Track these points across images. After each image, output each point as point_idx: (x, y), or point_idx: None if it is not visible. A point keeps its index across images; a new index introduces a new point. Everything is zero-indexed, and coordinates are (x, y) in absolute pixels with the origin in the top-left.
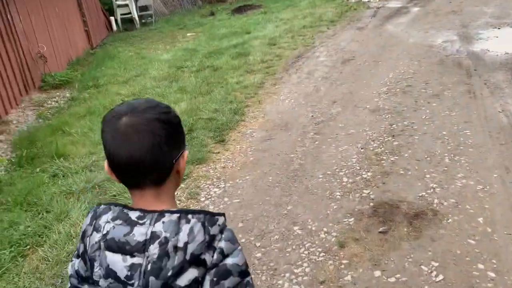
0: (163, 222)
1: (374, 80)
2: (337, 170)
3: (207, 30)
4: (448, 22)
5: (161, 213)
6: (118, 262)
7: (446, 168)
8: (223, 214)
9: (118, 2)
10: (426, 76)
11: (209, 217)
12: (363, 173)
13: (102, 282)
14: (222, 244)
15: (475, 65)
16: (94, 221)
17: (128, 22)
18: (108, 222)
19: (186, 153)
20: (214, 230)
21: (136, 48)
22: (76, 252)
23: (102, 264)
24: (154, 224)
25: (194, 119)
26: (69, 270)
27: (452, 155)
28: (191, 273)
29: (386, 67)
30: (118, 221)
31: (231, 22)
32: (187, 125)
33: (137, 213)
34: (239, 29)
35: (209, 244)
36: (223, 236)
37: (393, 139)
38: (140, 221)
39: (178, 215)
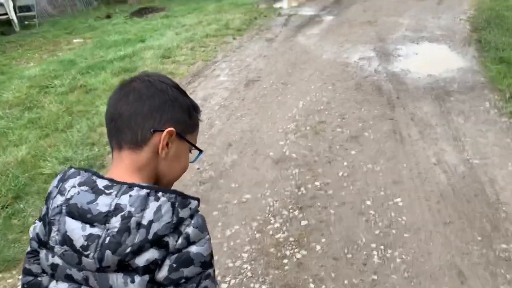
0: (130, 196)
1: (281, 111)
2: (217, 276)
3: (97, 35)
4: (364, 35)
5: (131, 186)
6: (77, 230)
7: (375, 277)
8: (198, 199)
9: None
10: (342, 106)
11: (180, 199)
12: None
13: (57, 249)
14: (189, 230)
15: (397, 90)
16: (61, 184)
17: (5, 24)
18: (74, 186)
19: (170, 129)
20: (183, 213)
21: (4, 57)
22: (39, 214)
23: (60, 230)
24: (120, 196)
25: (30, 176)
26: (30, 232)
27: (382, 247)
28: (151, 254)
29: (296, 93)
30: (84, 187)
31: (126, 27)
32: (15, 187)
33: (105, 182)
34: (133, 36)
35: (175, 227)
36: (192, 221)
37: (301, 215)
38: (107, 191)
39: (148, 191)
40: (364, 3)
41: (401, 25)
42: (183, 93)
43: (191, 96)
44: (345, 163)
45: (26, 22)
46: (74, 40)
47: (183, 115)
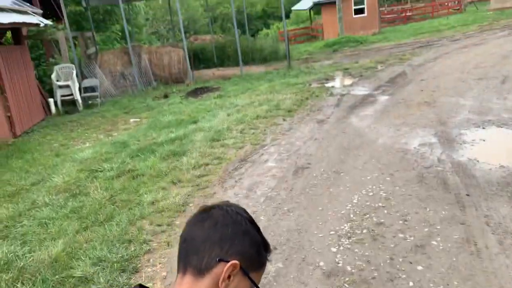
0: None
1: (333, 207)
2: None
3: (153, 115)
4: (422, 117)
5: None
6: None
7: None
8: None
9: (58, 83)
10: (403, 204)
11: None
12: None
13: None
14: None
15: (466, 185)
16: None
17: (71, 104)
18: None
19: (235, 261)
20: None
21: (64, 137)
22: None
23: None
24: None
25: (59, 279)
26: None
27: None
28: None
29: (350, 184)
30: None
31: (181, 107)
32: None
33: None
34: (186, 116)
35: None
36: None
37: None
38: None
39: None
40: (420, 83)
41: (462, 106)
42: (257, 228)
43: (237, 185)
44: (411, 283)
45: (90, 102)
46: (131, 120)
47: (251, 250)
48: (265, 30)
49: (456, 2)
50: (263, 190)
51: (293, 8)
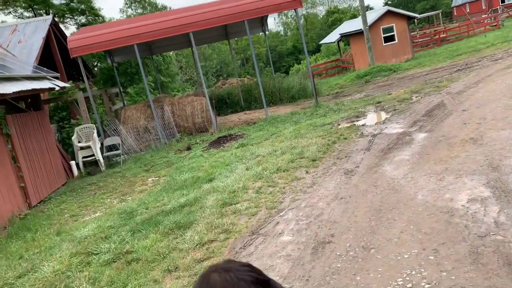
0: None
1: None
2: None
3: (171, 173)
4: (468, 160)
5: None
6: None
7: None
8: None
9: (79, 145)
10: None
11: None
12: None
13: None
14: None
15: None
16: None
17: (94, 164)
18: None
19: None
20: None
21: (78, 205)
22: None
23: None
24: None
25: None
26: None
27: None
28: None
29: (382, 268)
30: None
31: (201, 161)
32: None
33: None
34: (203, 173)
35: None
36: None
37: None
38: None
39: None
40: (462, 114)
41: None
42: (269, 282)
43: None
44: None
45: (115, 159)
46: (149, 179)
47: None
48: (296, 66)
49: (493, 18)
50: (274, 277)
51: (321, 42)
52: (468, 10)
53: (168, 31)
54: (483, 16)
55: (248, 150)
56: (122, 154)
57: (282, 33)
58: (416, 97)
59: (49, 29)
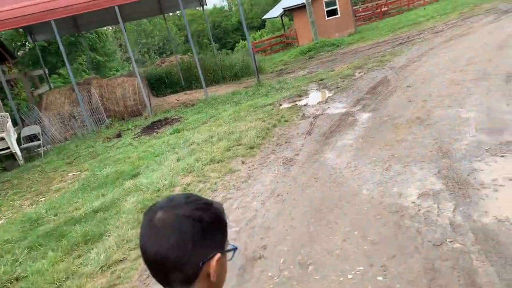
0: None
1: None
2: None
3: (93, 166)
4: (416, 144)
5: None
6: None
7: None
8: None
9: None
10: None
11: None
12: None
13: None
14: None
15: (508, 284)
16: None
17: (10, 157)
18: None
19: (218, 255)
20: None
21: None
22: None
23: None
24: None
25: None
26: None
27: None
28: None
29: None
30: None
31: (129, 151)
32: None
33: None
34: (129, 166)
35: None
36: None
37: None
38: None
39: None
40: (407, 90)
41: (466, 121)
42: (208, 207)
43: None
44: None
45: (36, 151)
46: (70, 174)
47: (220, 235)
48: (242, 42)
49: None
50: None
51: (265, 17)
52: None
53: (90, 5)
54: None
55: (182, 136)
56: (43, 145)
57: (227, 8)
58: (359, 73)
59: None
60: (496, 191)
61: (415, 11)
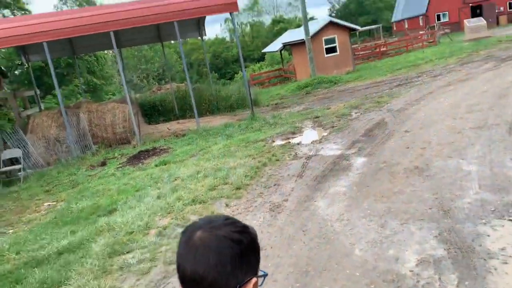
0: None
1: None
2: None
3: (70, 197)
4: (414, 197)
5: None
6: None
7: None
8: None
9: None
10: None
11: None
12: None
13: None
14: None
15: None
16: None
17: None
18: None
19: (254, 280)
20: None
21: None
22: None
23: None
24: None
25: None
26: None
27: None
28: None
29: None
30: None
31: (110, 182)
32: None
33: None
34: (107, 199)
35: None
36: None
37: None
38: None
39: None
40: (405, 136)
41: (467, 175)
42: (248, 232)
43: None
44: None
45: (18, 174)
46: (45, 204)
47: (254, 259)
48: (241, 73)
49: (430, 35)
50: None
51: (264, 50)
52: (406, 26)
53: (84, 29)
54: (420, 32)
55: (168, 169)
56: (24, 169)
57: (228, 39)
58: (356, 113)
59: None
60: (506, 263)
61: (414, 53)
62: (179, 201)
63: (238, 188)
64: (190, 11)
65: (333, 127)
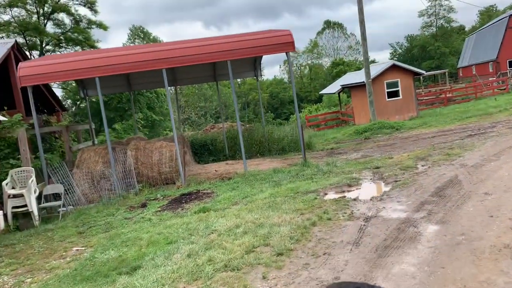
0: None
1: None
2: None
3: (101, 243)
4: None
5: None
6: None
7: None
8: None
9: (10, 192)
10: None
11: None
12: None
13: None
14: None
15: None
16: None
17: (28, 216)
18: None
19: None
20: None
21: None
22: None
23: None
24: None
25: None
26: None
27: None
28: None
29: None
30: None
31: (144, 229)
32: None
33: None
34: (136, 251)
35: None
36: None
37: None
38: None
39: None
40: (485, 199)
41: None
42: None
43: None
44: None
45: (59, 211)
46: (74, 249)
47: None
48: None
49: (501, 81)
50: None
51: (322, 92)
52: (474, 72)
53: (136, 66)
54: (490, 79)
55: (206, 218)
56: (64, 206)
57: (286, 80)
58: (423, 165)
59: (9, 54)
60: None
61: (484, 101)
62: (209, 264)
63: (279, 254)
64: (245, 50)
65: (396, 181)
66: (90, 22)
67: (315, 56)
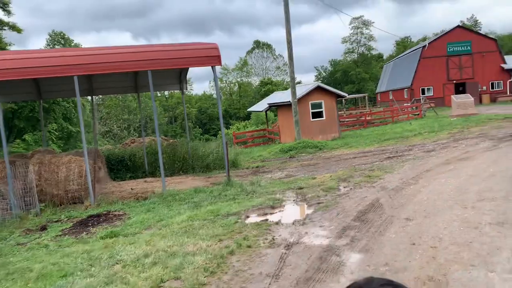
0: None
1: None
2: None
3: None
4: None
5: None
6: None
7: None
8: None
9: None
10: None
11: None
12: None
13: None
14: None
15: None
16: None
17: None
18: None
19: None
20: None
21: None
22: None
23: None
24: None
25: None
26: None
27: None
28: None
29: None
30: None
31: (37, 258)
32: None
33: None
34: (23, 275)
35: None
36: None
37: None
38: None
39: None
40: (406, 225)
41: None
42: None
43: None
44: None
45: None
46: None
47: None
48: (225, 130)
49: (415, 107)
50: None
51: (249, 109)
52: (391, 97)
53: (43, 71)
54: (405, 104)
55: (113, 246)
56: None
57: (215, 95)
58: (345, 187)
59: None
60: None
61: (401, 124)
62: None
63: None
64: (168, 61)
65: (319, 203)
66: (2, 23)
67: (245, 74)
